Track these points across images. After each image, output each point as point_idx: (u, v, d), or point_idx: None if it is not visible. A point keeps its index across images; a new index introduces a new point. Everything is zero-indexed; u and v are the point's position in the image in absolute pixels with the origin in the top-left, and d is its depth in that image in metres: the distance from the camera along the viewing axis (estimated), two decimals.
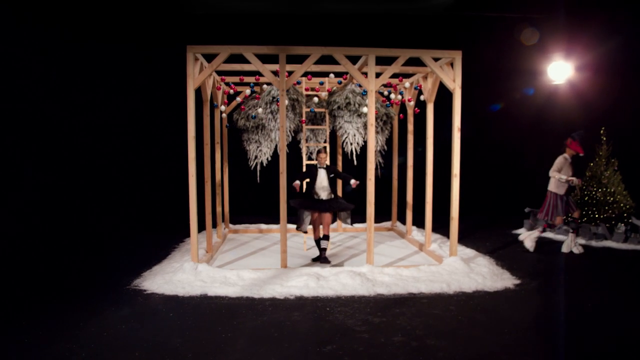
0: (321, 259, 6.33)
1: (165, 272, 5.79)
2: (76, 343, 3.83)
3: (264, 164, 7.67)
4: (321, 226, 6.33)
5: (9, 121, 7.36)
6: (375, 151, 7.69)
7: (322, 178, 6.38)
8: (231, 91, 7.79)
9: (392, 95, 7.62)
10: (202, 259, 6.19)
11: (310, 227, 6.58)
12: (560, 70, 9.71)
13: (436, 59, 6.03)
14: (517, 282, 5.54)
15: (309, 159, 7.75)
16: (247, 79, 7.24)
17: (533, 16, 10.61)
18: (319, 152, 6.49)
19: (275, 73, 6.24)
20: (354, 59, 6.01)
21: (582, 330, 4.11)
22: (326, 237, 6.35)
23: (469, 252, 6.86)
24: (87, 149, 9.33)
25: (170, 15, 9.58)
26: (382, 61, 6.15)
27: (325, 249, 6.39)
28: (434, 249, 6.85)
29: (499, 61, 10.61)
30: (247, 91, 7.28)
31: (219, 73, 7.33)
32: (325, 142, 7.55)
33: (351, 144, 6.97)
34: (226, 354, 3.64)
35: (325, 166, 6.44)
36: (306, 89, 7.16)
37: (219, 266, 6.16)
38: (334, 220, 8.73)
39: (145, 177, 10.36)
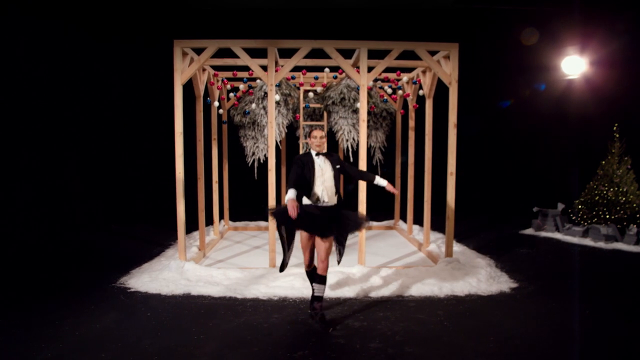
0: (314, 314, 4.12)
1: (153, 270, 5.72)
2: (46, 342, 3.76)
3: (261, 161, 7.53)
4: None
5: None
6: (375, 148, 7.48)
7: (324, 173, 4.10)
8: (229, 86, 7.68)
9: (389, 90, 7.40)
10: (194, 257, 6.09)
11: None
12: (574, 65, 9.33)
13: (432, 52, 5.79)
14: (515, 285, 5.28)
15: None
16: (241, 74, 7.09)
17: (547, 9, 10.23)
18: (311, 131, 4.22)
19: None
20: (346, 53, 5.81)
21: (574, 340, 3.86)
22: (321, 279, 4.12)
23: (468, 252, 6.60)
24: (87, 145, 9.36)
25: (169, 11, 9.52)
26: (377, 55, 5.95)
27: (320, 299, 4.12)
28: (432, 249, 6.62)
29: (510, 55, 10.25)
30: (242, 86, 7.15)
31: (216, 68, 7.21)
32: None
33: (347, 140, 6.77)
34: (193, 357, 3.52)
35: (325, 153, 4.20)
36: (300, 84, 6.98)
37: (210, 264, 6.06)
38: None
39: (150, 174, 10.37)
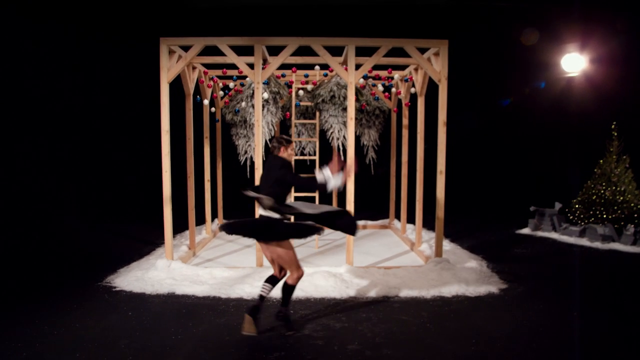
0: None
1: (140, 269, 5.69)
2: (23, 341, 3.73)
3: (254, 159, 7.47)
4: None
5: None
6: (368, 147, 7.40)
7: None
8: (221, 84, 7.64)
9: (380, 88, 7.32)
10: (182, 256, 6.06)
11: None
12: (574, 62, 9.19)
13: (422, 50, 5.71)
14: (504, 286, 5.19)
15: (301, 154, 7.54)
16: (231, 72, 7.04)
17: (547, 6, 10.09)
18: (279, 142, 3.93)
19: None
20: (336, 50, 5.74)
21: (557, 343, 3.78)
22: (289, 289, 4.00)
23: (460, 252, 6.53)
24: (79, 143, 9.36)
25: (162, 10, 9.49)
26: (369, 53, 5.86)
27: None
28: (424, 249, 6.53)
29: (509, 53, 10.13)
30: (231, 84, 7.10)
31: (207, 66, 7.15)
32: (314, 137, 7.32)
33: (337, 138, 6.71)
34: (167, 357, 3.48)
35: None
36: (291, 82, 6.92)
37: (198, 263, 6.03)
38: None
39: (147, 172, 10.35)
